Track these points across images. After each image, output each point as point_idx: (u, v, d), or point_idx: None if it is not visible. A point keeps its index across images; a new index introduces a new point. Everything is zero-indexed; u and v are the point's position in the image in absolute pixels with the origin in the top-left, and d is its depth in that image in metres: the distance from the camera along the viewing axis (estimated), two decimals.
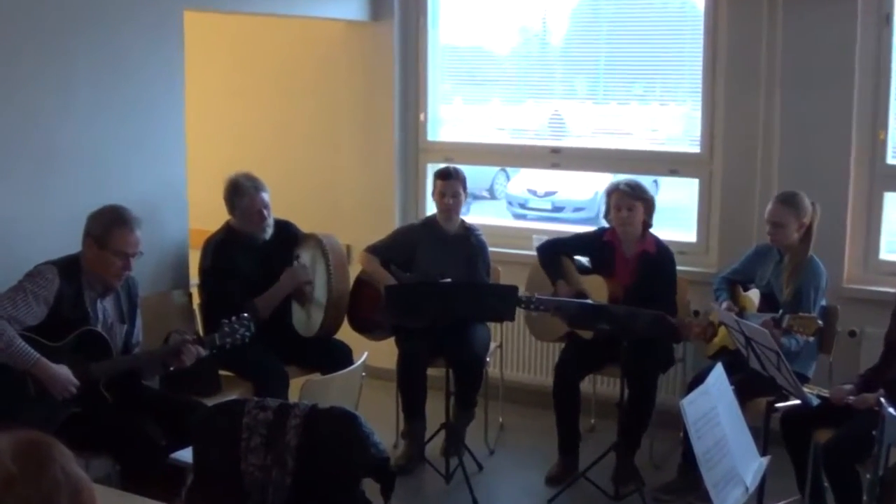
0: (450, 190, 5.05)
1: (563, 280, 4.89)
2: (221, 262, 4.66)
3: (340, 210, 6.20)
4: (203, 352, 3.94)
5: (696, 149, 5.45)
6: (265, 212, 4.69)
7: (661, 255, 4.84)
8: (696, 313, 4.88)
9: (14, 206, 4.10)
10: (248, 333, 4.07)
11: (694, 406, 2.76)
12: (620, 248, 4.85)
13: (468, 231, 5.16)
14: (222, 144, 6.29)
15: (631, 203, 4.75)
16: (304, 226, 5.00)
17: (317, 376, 4.23)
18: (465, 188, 5.10)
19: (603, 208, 4.97)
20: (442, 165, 5.38)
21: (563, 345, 5.00)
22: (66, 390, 3.64)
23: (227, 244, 4.71)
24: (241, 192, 4.67)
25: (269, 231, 4.74)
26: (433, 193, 5.16)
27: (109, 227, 3.81)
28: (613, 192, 4.81)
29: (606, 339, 4.53)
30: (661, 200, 8.05)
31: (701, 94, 5.35)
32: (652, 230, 4.87)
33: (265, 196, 4.70)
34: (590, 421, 5.44)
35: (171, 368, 3.94)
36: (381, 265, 5.07)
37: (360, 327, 5.07)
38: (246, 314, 4.10)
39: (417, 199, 6.20)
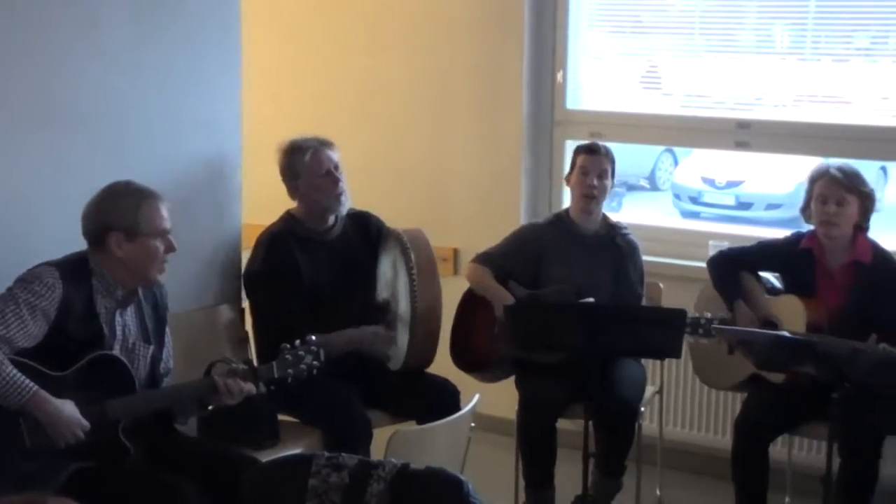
0: (595, 167, 5.04)
1: (742, 301, 4.87)
2: (277, 262, 4.72)
3: (446, 204, 6.25)
4: (253, 389, 3.97)
5: None
6: (336, 173, 4.77)
7: (881, 267, 4.77)
8: None
9: (14, 183, 4.15)
10: (316, 363, 4.09)
11: None
12: (823, 258, 4.81)
13: (613, 230, 5.15)
14: (288, 117, 6.34)
15: (842, 196, 4.70)
16: (397, 223, 5.02)
17: (410, 426, 4.28)
18: (613, 173, 5.10)
19: (803, 200, 4.91)
20: (586, 143, 5.33)
21: (745, 393, 4.95)
22: (71, 434, 3.67)
23: (285, 239, 4.78)
24: (300, 150, 4.77)
25: (346, 205, 4.82)
26: (568, 176, 5.18)
27: (136, 207, 3.87)
28: (820, 179, 4.77)
29: (808, 387, 4.46)
30: (891, 195, 7.80)
31: None
32: (869, 235, 4.81)
33: (334, 155, 4.80)
34: (783, 499, 5.34)
35: (210, 408, 3.98)
36: (495, 279, 5.08)
37: (470, 363, 5.08)
38: (314, 337, 4.12)
39: (552, 189, 6.19)
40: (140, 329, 4.01)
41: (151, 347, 4.02)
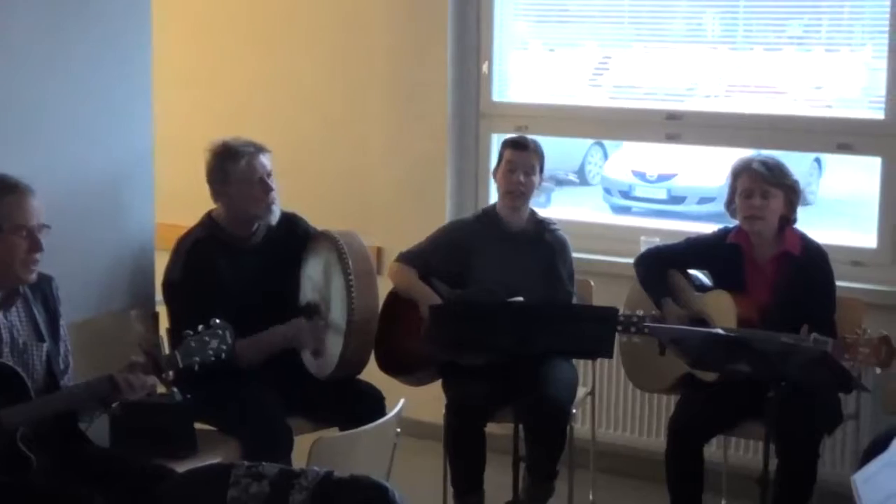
0: (522, 164, 5.04)
1: (670, 299, 4.91)
2: (198, 270, 4.66)
3: (368, 201, 6.25)
4: (156, 380, 3.92)
5: (880, 114, 5.40)
6: (269, 181, 4.72)
7: (810, 258, 4.83)
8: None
9: None
10: (224, 347, 4.03)
11: (871, 484, 2.77)
12: (752, 252, 4.86)
13: (541, 226, 5.16)
14: (201, 114, 6.38)
15: (766, 189, 4.76)
16: (318, 222, 5.00)
17: (333, 432, 4.25)
18: (542, 169, 5.12)
19: (727, 195, 4.97)
20: (513, 137, 5.33)
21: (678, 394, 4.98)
22: None
23: (207, 244, 4.73)
24: (235, 155, 4.69)
25: (276, 213, 4.77)
26: (495, 170, 5.17)
27: None
28: (743, 174, 4.83)
29: (743, 385, 4.49)
30: (825, 188, 7.86)
31: (888, 36, 5.27)
32: (797, 226, 4.87)
33: (268, 162, 4.75)
34: (719, 501, 5.39)
35: (114, 405, 3.91)
36: (419, 279, 5.08)
37: (395, 366, 5.07)
38: (219, 320, 4.06)
39: (478, 184, 6.21)
40: (31, 327, 3.94)
41: (45, 344, 3.95)
